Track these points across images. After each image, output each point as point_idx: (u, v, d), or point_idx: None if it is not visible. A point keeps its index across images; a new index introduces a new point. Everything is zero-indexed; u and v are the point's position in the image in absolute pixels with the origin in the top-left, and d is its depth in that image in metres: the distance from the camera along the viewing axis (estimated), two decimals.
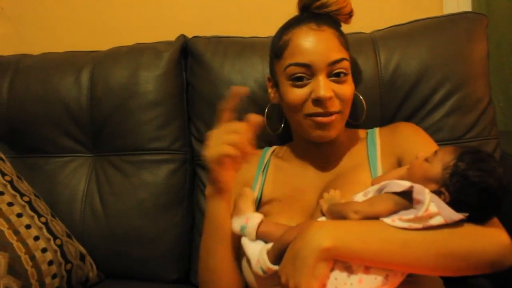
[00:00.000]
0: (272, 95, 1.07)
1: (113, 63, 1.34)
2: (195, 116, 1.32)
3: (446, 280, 0.91)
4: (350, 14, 1.04)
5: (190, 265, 1.30)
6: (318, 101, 0.94)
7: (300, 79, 0.95)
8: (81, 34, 1.71)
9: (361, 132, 1.09)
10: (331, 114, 0.94)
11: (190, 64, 1.34)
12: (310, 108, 0.95)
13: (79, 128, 1.34)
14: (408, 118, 1.18)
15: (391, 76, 1.18)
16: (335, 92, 0.94)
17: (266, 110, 1.13)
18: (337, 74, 0.95)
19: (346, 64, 0.96)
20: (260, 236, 0.88)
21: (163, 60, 1.31)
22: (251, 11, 1.60)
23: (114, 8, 1.68)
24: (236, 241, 0.93)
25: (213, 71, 1.27)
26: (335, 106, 0.95)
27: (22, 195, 1.20)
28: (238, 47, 1.29)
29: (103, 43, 1.45)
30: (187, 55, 1.35)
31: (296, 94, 0.96)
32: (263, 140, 1.23)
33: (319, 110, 0.94)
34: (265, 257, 0.83)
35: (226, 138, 0.85)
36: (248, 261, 0.88)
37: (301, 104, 0.96)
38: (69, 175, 1.34)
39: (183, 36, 1.37)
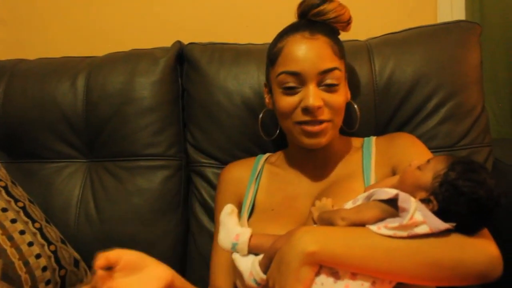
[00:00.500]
0: (267, 100, 1.08)
1: (109, 69, 1.34)
2: (191, 122, 1.32)
3: None
4: (348, 22, 1.04)
5: (184, 271, 1.30)
6: (307, 110, 0.94)
7: (290, 88, 0.95)
8: (78, 40, 1.71)
9: (357, 141, 1.09)
10: (320, 122, 0.95)
11: (186, 71, 1.35)
12: (299, 116, 0.95)
13: (75, 133, 1.34)
14: (402, 125, 1.18)
15: (386, 84, 1.19)
16: (325, 101, 0.95)
17: (261, 116, 1.14)
18: (328, 84, 0.95)
19: (337, 73, 0.96)
20: (252, 249, 0.88)
21: (159, 66, 1.31)
22: (247, 18, 1.60)
23: (110, 14, 1.69)
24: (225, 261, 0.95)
25: (209, 77, 1.28)
26: (325, 114, 0.95)
27: (16, 200, 1.19)
28: (234, 53, 1.30)
29: (99, 49, 1.45)
30: (183, 61, 1.36)
31: (286, 101, 0.96)
32: (258, 146, 1.24)
33: (308, 118, 0.94)
34: (258, 268, 0.83)
35: None
36: (241, 277, 0.88)
37: (290, 112, 0.96)
38: (64, 180, 1.34)
39: (179, 42, 1.37)
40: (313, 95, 0.93)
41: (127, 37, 1.65)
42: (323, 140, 0.97)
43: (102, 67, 1.35)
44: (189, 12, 1.64)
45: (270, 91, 1.04)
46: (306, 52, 0.95)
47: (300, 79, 0.95)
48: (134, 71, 1.31)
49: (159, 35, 1.59)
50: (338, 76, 0.96)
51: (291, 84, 0.95)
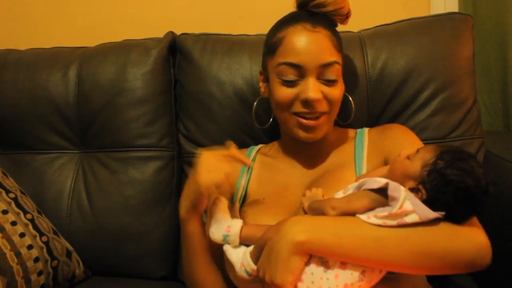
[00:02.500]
0: (262, 89, 1.07)
1: (101, 59, 1.33)
2: (183, 113, 1.32)
3: (429, 278, 0.93)
4: (347, 15, 1.04)
5: (177, 262, 1.30)
6: (306, 102, 0.94)
7: (290, 80, 0.95)
8: (69, 30, 1.69)
9: (350, 132, 1.09)
10: (317, 117, 0.95)
11: (178, 61, 1.34)
12: (297, 107, 0.96)
13: (66, 124, 1.34)
14: (394, 117, 1.19)
15: (378, 75, 1.19)
16: (324, 93, 0.95)
17: (255, 105, 1.14)
18: (328, 79, 0.96)
19: (337, 67, 0.97)
20: (243, 240, 0.88)
21: (151, 57, 1.31)
22: (240, 9, 1.60)
23: (102, 4, 1.67)
24: (216, 252, 0.97)
25: (202, 68, 1.27)
26: (323, 107, 0.95)
27: (7, 191, 1.19)
28: (227, 44, 1.29)
29: (91, 40, 1.45)
30: (176, 52, 1.35)
31: (285, 92, 0.96)
32: (250, 137, 1.24)
33: (306, 110, 0.95)
34: (249, 259, 0.84)
35: (220, 166, 0.88)
36: (232, 269, 0.88)
37: (288, 103, 0.96)
38: (56, 171, 1.34)
39: (171, 33, 1.37)
40: (312, 88, 0.93)
41: (119, 27, 1.64)
42: (318, 134, 0.98)
43: (94, 57, 1.34)
44: (182, 2, 1.63)
45: (267, 80, 1.04)
46: (308, 44, 0.95)
47: (300, 71, 0.95)
48: (126, 61, 1.31)
49: (152, 26, 1.58)
50: (337, 70, 0.97)
51: (291, 77, 0.95)
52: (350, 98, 1.09)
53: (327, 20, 1.01)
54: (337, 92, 0.97)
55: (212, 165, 0.89)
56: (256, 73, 1.23)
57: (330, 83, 0.96)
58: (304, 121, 0.95)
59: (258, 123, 1.14)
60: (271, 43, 1.01)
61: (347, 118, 1.10)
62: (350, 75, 1.18)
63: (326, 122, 0.98)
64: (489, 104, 1.56)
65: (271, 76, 1.00)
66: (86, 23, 1.68)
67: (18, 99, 1.34)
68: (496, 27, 1.52)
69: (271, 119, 1.11)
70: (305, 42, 0.95)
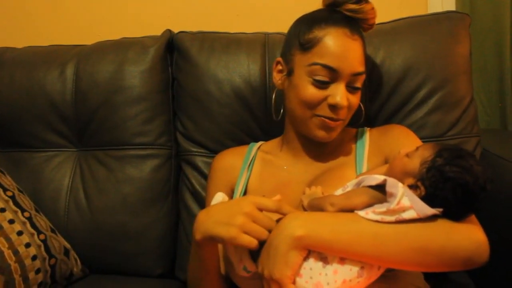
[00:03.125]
0: (278, 80, 1.05)
1: (99, 57, 1.33)
2: (181, 111, 1.32)
3: (426, 276, 0.93)
4: (371, 26, 1.04)
5: (175, 260, 1.31)
6: (333, 107, 0.95)
7: (322, 81, 0.95)
8: (66, 28, 1.69)
9: (351, 131, 1.09)
10: (338, 119, 0.97)
11: (175, 59, 1.34)
12: (323, 110, 0.96)
13: (64, 122, 1.33)
14: (391, 115, 1.19)
15: (376, 73, 1.19)
16: (349, 101, 0.96)
17: (273, 96, 1.11)
18: (355, 87, 0.97)
19: (363, 77, 0.98)
20: None
21: (149, 55, 1.31)
22: (237, 7, 1.59)
23: (99, 2, 1.67)
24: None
25: (199, 66, 1.27)
26: (344, 113, 0.97)
27: (5, 190, 1.19)
28: (224, 42, 1.29)
29: (88, 37, 1.44)
30: (173, 50, 1.35)
31: (314, 93, 0.95)
32: (247, 135, 1.24)
33: (332, 115, 0.95)
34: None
35: (250, 226, 0.80)
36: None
37: (315, 104, 0.96)
38: (53, 170, 1.34)
39: (169, 31, 1.37)
40: (342, 95, 0.94)
41: (116, 25, 1.64)
42: (333, 136, 0.99)
43: (91, 55, 1.34)
44: (179, 0, 1.63)
45: (290, 74, 1.01)
46: (347, 51, 0.95)
47: (334, 75, 0.94)
48: (124, 59, 1.31)
49: (149, 24, 1.58)
50: (363, 80, 0.98)
51: (324, 79, 0.94)
52: (361, 104, 1.07)
53: (360, 28, 1.01)
54: (357, 100, 0.99)
55: (241, 217, 0.79)
56: (253, 71, 1.23)
57: (355, 91, 0.97)
58: (328, 121, 0.96)
59: (276, 113, 1.09)
60: (306, 39, 0.98)
61: (355, 123, 1.09)
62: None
63: (340, 126, 0.99)
64: (486, 103, 1.57)
65: (299, 72, 0.98)
66: (84, 21, 1.68)
67: (15, 97, 1.34)
68: (492, 25, 1.53)
69: (281, 110, 1.08)
70: (344, 48, 0.94)
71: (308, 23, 1.00)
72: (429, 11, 1.54)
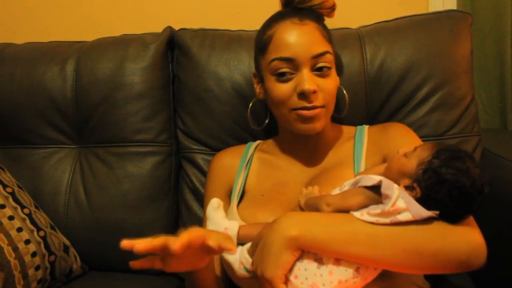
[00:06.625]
0: (258, 91, 1.08)
1: (99, 54, 1.33)
2: (181, 108, 1.31)
3: (426, 276, 0.92)
4: (332, 8, 1.04)
5: None
6: (303, 95, 0.94)
7: (283, 74, 0.95)
8: (67, 24, 1.69)
9: (350, 129, 1.09)
10: (315, 107, 0.95)
11: (176, 56, 1.34)
12: (295, 102, 0.95)
13: (64, 119, 1.33)
14: (392, 114, 1.19)
15: (377, 72, 1.19)
16: (319, 85, 0.95)
17: (250, 105, 1.14)
18: (320, 68, 0.96)
19: (329, 57, 0.97)
20: (241, 240, 0.88)
21: (150, 52, 1.30)
22: (238, 4, 1.59)
23: None
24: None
25: (200, 63, 1.27)
26: (319, 100, 0.95)
27: (5, 186, 1.19)
28: (225, 40, 1.29)
29: (88, 34, 1.44)
30: (174, 47, 1.35)
31: (281, 89, 0.96)
32: (248, 133, 1.24)
33: (305, 103, 0.94)
34: (247, 256, 0.84)
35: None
36: (231, 268, 0.88)
37: (286, 99, 0.96)
38: (53, 166, 1.34)
39: (169, 28, 1.36)
40: (307, 79, 0.93)
41: (117, 22, 1.63)
42: (317, 125, 0.97)
43: (92, 52, 1.34)
44: None
45: (262, 81, 1.04)
46: (298, 37, 0.95)
47: (294, 64, 0.95)
48: (124, 56, 1.30)
49: (150, 20, 1.58)
50: (330, 60, 0.97)
51: (285, 70, 0.95)
52: (344, 91, 1.09)
53: (314, 14, 1.01)
54: (331, 83, 0.97)
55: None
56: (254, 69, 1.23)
57: (324, 74, 0.96)
58: (303, 112, 0.95)
59: (255, 123, 1.14)
60: (261, 42, 1.01)
61: (343, 111, 1.10)
62: (348, 71, 1.19)
63: (324, 115, 0.97)
64: (487, 102, 1.57)
65: (265, 75, 1.00)
66: (84, 18, 1.67)
67: (15, 94, 1.34)
68: (494, 24, 1.52)
69: (266, 120, 1.11)
70: (295, 35, 0.95)
71: (261, 28, 1.04)
72: (430, 10, 1.53)
